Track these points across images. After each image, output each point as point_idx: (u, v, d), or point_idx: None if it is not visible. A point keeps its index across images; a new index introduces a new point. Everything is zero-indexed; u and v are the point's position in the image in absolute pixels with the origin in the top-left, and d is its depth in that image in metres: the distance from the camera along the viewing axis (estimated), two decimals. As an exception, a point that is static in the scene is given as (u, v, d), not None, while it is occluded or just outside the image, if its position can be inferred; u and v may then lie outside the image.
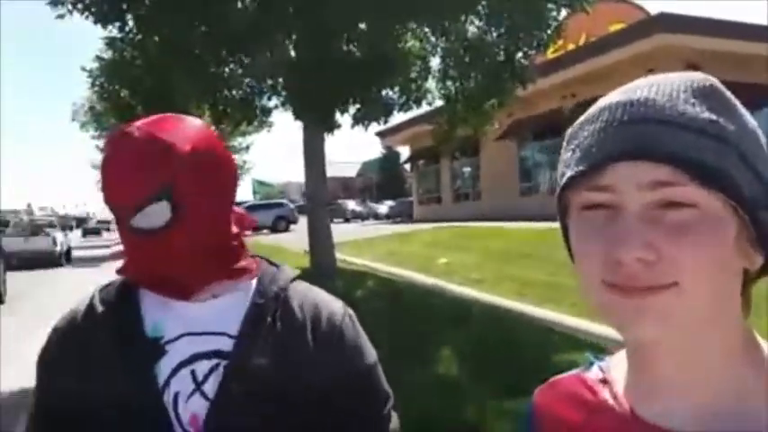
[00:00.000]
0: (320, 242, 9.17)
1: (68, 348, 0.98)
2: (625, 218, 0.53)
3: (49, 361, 1.00)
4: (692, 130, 0.52)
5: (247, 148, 35.29)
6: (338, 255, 10.47)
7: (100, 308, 0.98)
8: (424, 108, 9.64)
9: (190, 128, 0.94)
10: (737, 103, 0.57)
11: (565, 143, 0.62)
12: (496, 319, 6.46)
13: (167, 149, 0.89)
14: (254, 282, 1.01)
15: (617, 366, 0.66)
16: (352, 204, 39.49)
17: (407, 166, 38.00)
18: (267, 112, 9.21)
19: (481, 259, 10.53)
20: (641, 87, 0.56)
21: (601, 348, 5.09)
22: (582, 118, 0.60)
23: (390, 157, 50.40)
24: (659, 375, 0.58)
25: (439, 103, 9.58)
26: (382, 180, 53.30)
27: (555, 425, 0.67)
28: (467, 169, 28.43)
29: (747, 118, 0.56)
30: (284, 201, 32.66)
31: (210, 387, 0.91)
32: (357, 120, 7.89)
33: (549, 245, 10.78)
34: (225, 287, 0.97)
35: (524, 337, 5.54)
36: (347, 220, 34.69)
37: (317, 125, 8.19)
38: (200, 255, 0.93)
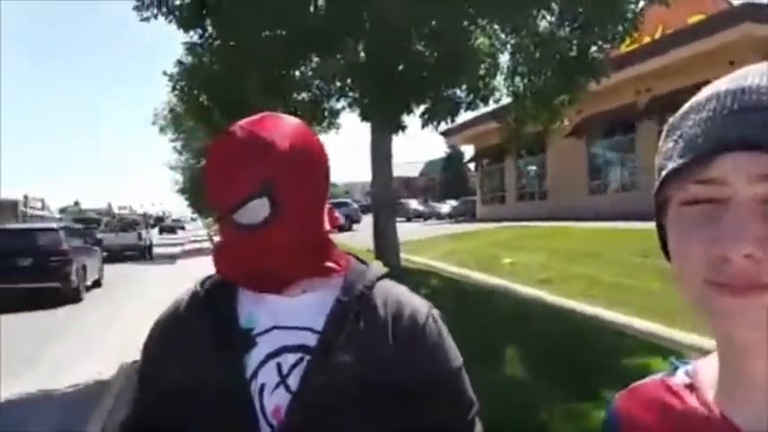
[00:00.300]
0: (385, 242, 9.22)
1: (168, 336, 1.03)
2: (734, 212, 0.50)
3: (150, 348, 1.06)
4: None
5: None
6: (401, 254, 10.51)
7: (200, 298, 1.03)
8: (491, 106, 9.54)
9: (288, 126, 0.97)
10: None
11: (664, 134, 0.59)
12: (564, 320, 6.36)
13: (267, 148, 0.92)
14: (342, 278, 1.02)
15: (704, 371, 0.63)
16: (414, 204, 39.49)
17: (471, 165, 37.69)
18: (335, 113, 9.34)
19: (547, 259, 10.35)
20: (752, 74, 0.53)
21: (675, 353, 4.92)
22: (685, 107, 0.58)
23: (454, 157, 50.16)
24: (754, 380, 0.55)
25: (506, 100, 9.46)
26: (445, 179, 53.07)
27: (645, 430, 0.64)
28: (532, 168, 27.93)
29: None
30: (348, 200, 33.05)
31: (294, 381, 0.93)
32: (425, 121, 7.88)
33: (618, 245, 10.51)
34: (315, 282, 1.00)
35: (593, 339, 5.44)
36: (409, 220, 34.71)
37: (384, 127, 8.24)
38: (297, 250, 0.96)
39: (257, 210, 0.93)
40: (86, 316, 10.36)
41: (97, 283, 14.48)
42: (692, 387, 0.62)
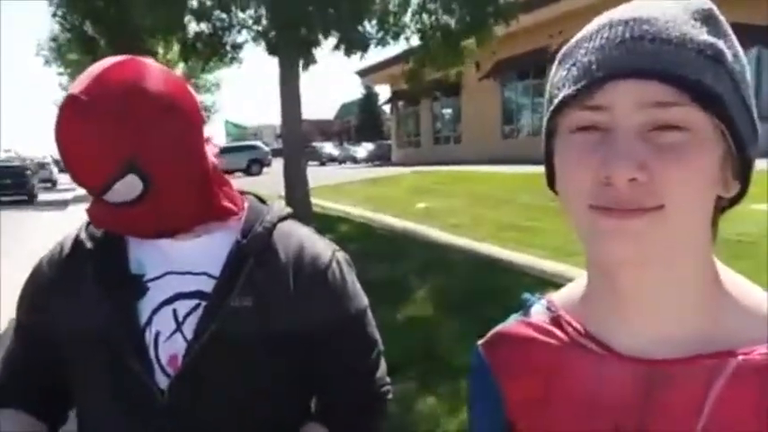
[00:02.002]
0: (296, 187, 8.91)
1: (53, 280, 0.97)
2: (620, 138, 0.51)
3: (33, 291, 1.00)
4: (693, 50, 0.52)
5: (217, 86, 34.33)
6: (313, 200, 10.27)
7: (86, 242, 0.96)
8: (405, 45, 9.24)
9: (148, 80, 0.84)
10: (731, 31, 0.56)
11: (557, 63, 0.60)
12: (471, 262, 6.42)
13: (123, 118, 0.81)
14: (241, 220, 0.97)
15: (565, 303, 0.65)
16: (328, 147, 38.97)
17: (387, 108, 37.44)
18: (237, 47, 8.74)
19: (460, 204, 10.42)
20: (641, 7, 0.55)
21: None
22: (577, 36, 0.59)
23: (370, 99, 49.58)
24: (629, 303, 0.57)
25: (417, 40, 9.18)
26: (361, 122, 52.57)
27: (520, 375, 0.64)
28: (447, 111, 28.03)
29: (739, 47, 0.56)
30: (258, 143, 32.00)
31: (190, 328, 0.89)
32: (335, 48, 7.51)
33: (529, 189, 10.72)
34: (212, 225, 0.95)
35: (498, 279, 5.50)
36: (323, 164, 34.32)
37: (292, 62, 7.78)
38: (182, 206, 0.90)
39: (127, 188, 0.85)
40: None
41: None
42: (556, 320, 0.64)
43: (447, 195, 11.63)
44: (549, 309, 0.66)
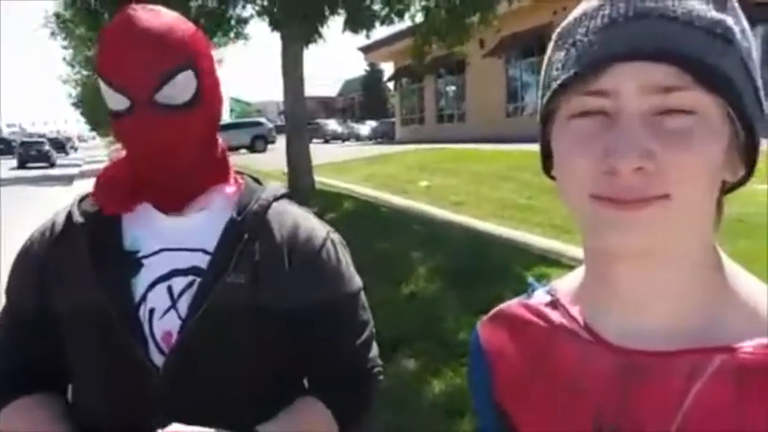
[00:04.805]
0: (298, 163, 8.93)
1: (45, 257, 0.95)
2: (625, 125, 0.49)
3: (24, 269, 0.98)
4: (701, 28, 0.49)
5: (220, 62, 34.08)
6: (316, 177, 10.28)
7: (79, 218, 0.94)
8: (407, 22, 9.18)
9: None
10: (738, 6, 0.53)
11: (554, 42, 0.57)
12: (472, 239, 6.46)
13: (184, 21, 0.88)
14: (236, 198, 0.96)
15: (565, 289, 0.64)
16: (332, 124, 38.78)
17: (391, 85, 37.19)
18: (242, 22, 8.70)
19: (462, 182, 10.44)
20: None
21: (573, 267, 5.07)
22: (576, 13, 0.55)
23: (373, 76, 49.22)
24: (626, 293, 0.55)
25: (421, 17, 9.11)
26: (364, 100, 52.26)
27: (510, 356, 0.64)
28: (451, 88, 27.84)
29: (746, 22, 0.53)
30: (262, 119, 31.92)
31: (184, 304, 0.89)
32: (344, 28, 7.47)
33: (532, 168, 10.72)
34: (206, 202, 0.95)
35: (498, 256, 5.55)
36: (327, 141, 34.22)
37: (296, 38, 7.75)
38: (204, 150, 0.92)
39: (184, 86, 0.86)
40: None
41: None
42: (554, 304, 0.63)
43: (450, 173, 11.62)
44: (549, 293, 0.65)
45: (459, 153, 14.84)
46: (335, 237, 1.01)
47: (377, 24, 8.16)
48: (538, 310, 0.63)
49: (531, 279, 0.69)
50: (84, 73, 35.96)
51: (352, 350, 1.00)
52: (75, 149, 52.16)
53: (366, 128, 36.34)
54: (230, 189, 0.97)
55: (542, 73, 0.58)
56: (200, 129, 0.90)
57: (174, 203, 0.94)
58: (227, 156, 1.00)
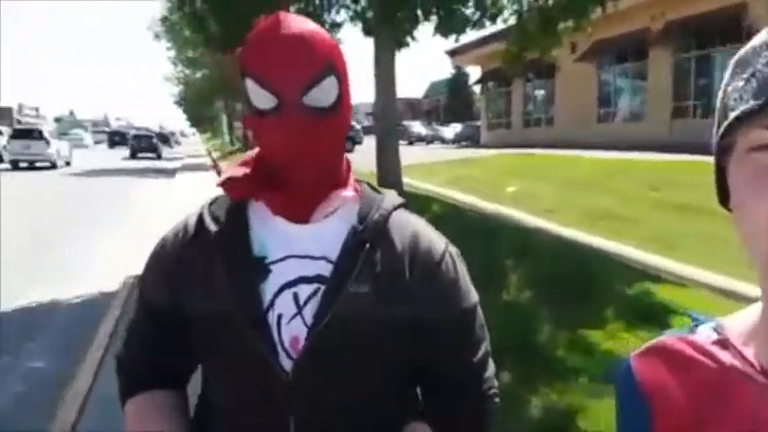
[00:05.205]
0: (388, 164, 9.02)
1: (177, 260, 0.98)
2: None
3: (158, 270, 1.01)
4: None
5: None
6: (403, 179, 10.34)
7: (210, 223, 0.97)
8: (499, 25, 9.09)
9: None
10: None
11: (732, 69, 0.54)
12: (567, 250, 6.26)
13: (323, 30, 0.90)
14: (357, 207, 0.97)
15: (734, 328, 0.59)
16: (417, 126, 38.86)
17: (477, 88, 36.85)
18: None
19: (552, 189, 10.21)
20: None
21: (676, 284, 4.85)
22: (756, 41, 0.52)
23: (459, 78, 48.95)
24: None
25: (513, 21, 8.98)
26: (449, 102, 52.02)
27: (674, 398, 0.58)
28: (540, 92, 27.29)
29: None
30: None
31: (309, 311, 0.90)
32: (435, 31, 7.49)
33: (626, 176, 10.35)
34: (329, 209, 0.96)
35: (596, 269, 5.33)
36: (411, 143, 34.31)
37: (389, 42, 7.84)
38: (337, 155, 0.95)
39: (329, 90, 0.89)
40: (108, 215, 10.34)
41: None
42: (722, 343, 0.58)
43: (538, 179, 11.39)
44: (715, 330, 0.60)
45: (547, 158, 14.53)
46: (453, 249, 1.01)
47: (468, 29, 8.12)
48: (704, 349, 0.59)
49: (692, 313, 0.65)
50: (186, 72, 37.85)
51: (468, 368, 0.99)
52: (179, 143, 55.45)
53: (450, 131, 36.17)
54: (351, 196, 0.98)
55: (718, 100, 0.56)
56: (338, 133, 0.93)
57: (300, 209, 0.95)
58: (350, 164, 1.01)
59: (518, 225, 7.81)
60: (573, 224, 7.56)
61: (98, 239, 9.15)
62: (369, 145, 12.11)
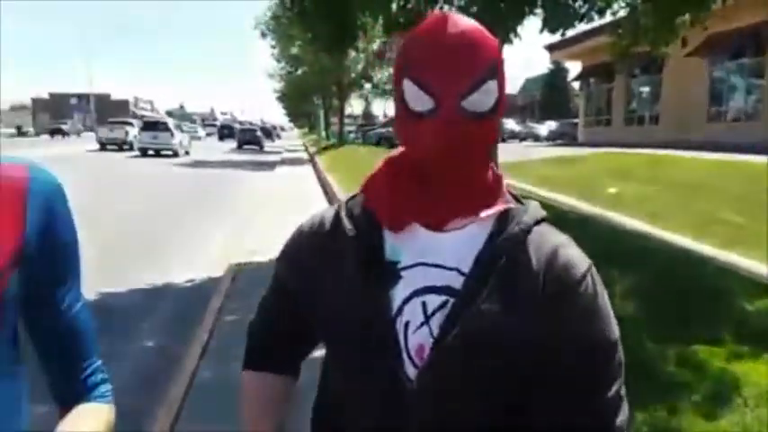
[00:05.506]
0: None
1: (309, 251, 1.00)
2: None
3: (294, 254, 1.04)
4: None
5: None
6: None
7: (346, 222, 0.97)
8: (606, 18, 8.69)
9: None
10: None
11: None
12: (673, 257, 5.88)
13: (488, 33, 0.88)
14: (495, 217, 0.93)
15: None
16: (510, 123, 38.10)
17: (576, 84, 35.61)
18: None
19: (658, 191, 9.69)
20: None
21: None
22: None
23: (557, 74, 47.50)
24: None
25: (623, 13, 8.56)
26: (545, 98, 50.61)
27: None
28: (645, 89, 25.97)
29: None
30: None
31: (436, 323, 0.89)
32: (542, 28, 7.28)
33: (738, 179, 9.64)
34: (467, 219, 0.92)
35: (707, 279, 4.99)
36: (504, 140, 33.69)
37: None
38: (486, 163, 0.93)
39: (489, 94, 0.87)
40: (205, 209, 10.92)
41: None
42: None
43: (642, 180, 10.84)
44: None
45: (652, 158, 13.81)
46: (595, 270, 0.93)
47: (575, 23, 7.83)
48: None
49: None
50: (288, 69, 39.29)
51: (598, 406, 0.90)
52: (279, 137, 59.09)
53: (545, 128, 35.27)
54: (492, 206, 0.93)
55: None
56: (491, 138, 0.90)
57: (439, 216, 0.92)
58: (499, 174, 0.96)
59: (621, 229, 7.47)
60: (681, 230, 7.13)
61: (206, 226, 9.65)
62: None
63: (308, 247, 1.01)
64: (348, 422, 0.96)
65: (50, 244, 0.86)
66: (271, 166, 23.32)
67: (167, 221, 10.13)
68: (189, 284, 6.33)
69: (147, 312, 5.31)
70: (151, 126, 29.45)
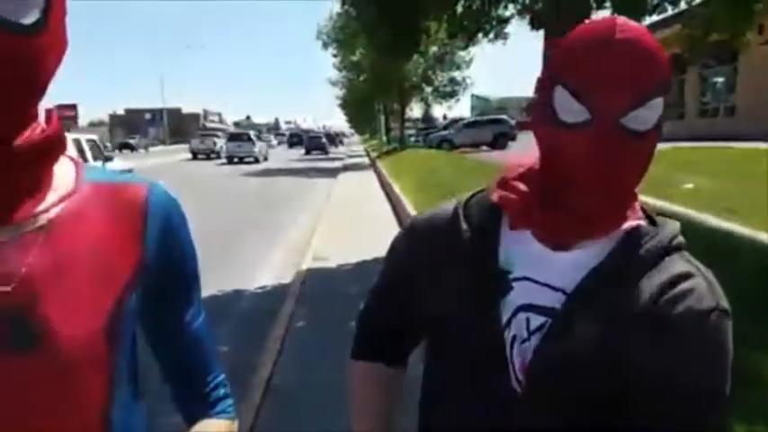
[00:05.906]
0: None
1: (424, 246, 0.98)
2: None
3: (402, 252, 1.03)
4: None
5: (467, 63, 34.83)
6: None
7: (463, 223, 0.94)
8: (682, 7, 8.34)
9: None
10: None
11: None
12: (760, 256, 5.56)
13: (662, 49, 0.80)
14: (620, 236, 0.85)
15: None
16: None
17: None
18: (503, 22, 8.72)
19: (737, 187, 9.21)
20: None
21: None
22: None
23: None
24: None
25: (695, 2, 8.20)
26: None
27: None
28: (719, 80, 24.76)
29: None
30: (504, 117, 32.01)
31: (535, 342, 0.86)
32: None
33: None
34: (591, 240, 0.86)
35: None
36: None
37: (560, 34, 7.52)
38: (631, 185, 0.86)
39: (654, 112, 0.80)
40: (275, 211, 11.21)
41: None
42: None
43: (719, 175, 10.35)
44: None
45: (729, 152, 13.17)
46: (724, 306, 0.84)
47: (647, 15, 7.56)
48: None
49: None
50: (350, 76, 39.94)
51: None
52: (342, 143, 61.67)
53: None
54: (622, 227, 0.85)
55: None
56: (646, 161, 0.83)
57: (568, 235, 0.86)
58: (636, 194, 0.89)
59: (700, 227, 7.13)
60: (763, 227, 6.74)
61: (274, 234, 9.88)
62: (522, 141, 11.75)
63: (421, 241, 0.99)
64: (450, 421, 0.95)
65: (170, 260, 0.87)
66: (332, 173, 24.13)
67: (242, 228, 10.43)
68: (260, 291, 6.47)
69: (223, 318, 5.45)
70: (236, 137, 35.57)
